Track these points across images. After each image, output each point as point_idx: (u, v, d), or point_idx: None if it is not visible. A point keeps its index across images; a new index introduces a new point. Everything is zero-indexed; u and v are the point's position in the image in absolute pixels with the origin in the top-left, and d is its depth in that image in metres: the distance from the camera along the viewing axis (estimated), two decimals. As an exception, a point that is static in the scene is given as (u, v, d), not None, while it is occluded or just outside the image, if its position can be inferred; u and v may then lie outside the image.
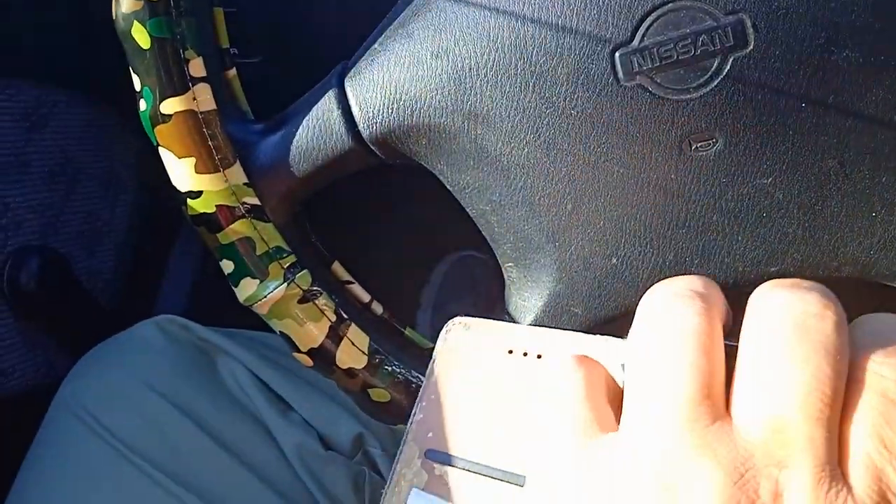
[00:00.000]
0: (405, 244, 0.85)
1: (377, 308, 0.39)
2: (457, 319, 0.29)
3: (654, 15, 0.29)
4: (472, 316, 0.29)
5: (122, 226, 0.70)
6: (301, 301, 0.35)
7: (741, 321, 0.21)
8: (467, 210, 0.35)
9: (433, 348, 0.40)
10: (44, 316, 0.61)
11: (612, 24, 0.29)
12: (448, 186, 0.34)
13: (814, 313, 0.18)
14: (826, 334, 0.18)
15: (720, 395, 0.19)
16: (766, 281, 0.32)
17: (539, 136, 0.31)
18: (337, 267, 0.38)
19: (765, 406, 0.18)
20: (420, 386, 0.37)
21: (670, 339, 0.19)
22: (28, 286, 0.59)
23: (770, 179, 0.29)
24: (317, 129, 0.34)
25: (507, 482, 0.23)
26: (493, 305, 0.38)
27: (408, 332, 0.39)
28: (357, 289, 0.38)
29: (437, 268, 0.95)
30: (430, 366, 0.28)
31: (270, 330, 0.56)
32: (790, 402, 0.18)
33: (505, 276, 0.36)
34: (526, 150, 0.31)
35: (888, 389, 0.18)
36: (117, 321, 0.56)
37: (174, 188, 0.35)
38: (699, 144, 0.29)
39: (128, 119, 0.69)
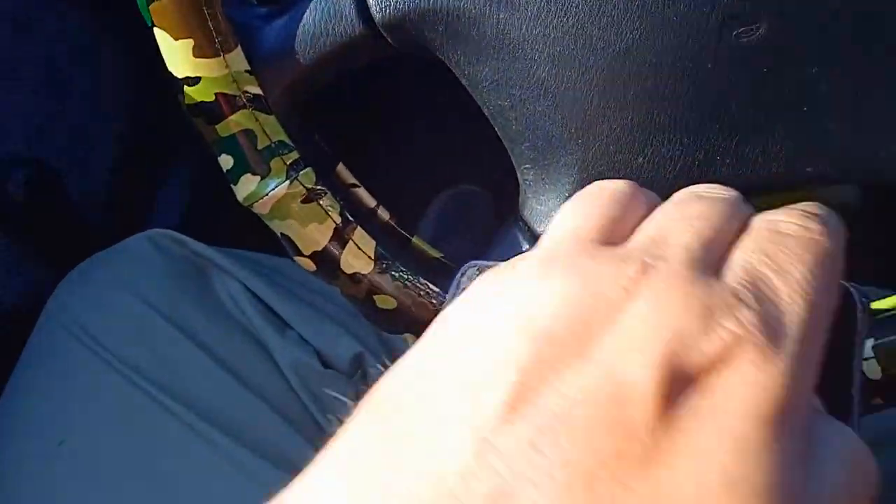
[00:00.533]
0: (402, 177, 0.83)
1: (383, 214, 0.37)
2: (472, 263, 0.28)
3: None
4: (472, 251, 0.28)
5: (112, 142, 0.67)
6: (304, 200, 0.33)
7: None
8: (484, 108, 0.33)
9: (441, 257, 0.38)
10: (31, 230, 0.59)
11: None
12: (464, 81, 0.32)
13: (712, 188, 0.21)
14: (722, 196, 0.20)
15: (624, 235, 0.20)
16: (799, 183, 0.31)
17: (567, 20, 0.28)
18: (342, 169, 0.36)
19: (653, 227, 0.19)
20: (428, 293, 0.35)
21: (593, 191, 0.22)
22: (15, 197, 0.56)
23: (815, 69, 0.27)
24: (325, 14, 0.32)
25: None
26: (491, 239, 0.36)
27: (415, 240, 0.37)
28: (363, 192, 0.36)
29: (434, 201, 0.93)
30: (443, 309, 0.27)
31: (266, 250, 0.54)
32: (676, 222, 0.19)
33: (520, 179, 0.34)
34: (552, 36, 0.29)
35: (780, 225, 0.19)
36: (108, 238, 0.54)
37: (172, 77, 0.33)
38: (741, 30, 0.27)
39: (115, 29, 0.65)
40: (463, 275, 0.27)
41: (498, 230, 0.36)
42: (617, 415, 0.14)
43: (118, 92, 0.66)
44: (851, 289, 0.20)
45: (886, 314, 0.29)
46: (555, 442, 0.14)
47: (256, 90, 0.33)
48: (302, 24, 0.32)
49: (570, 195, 0.32)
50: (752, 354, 0.15)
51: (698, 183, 0.23)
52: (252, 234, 0.46)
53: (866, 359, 0.28)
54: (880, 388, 0.29)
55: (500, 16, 0.29)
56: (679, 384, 0.15)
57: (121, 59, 0.65)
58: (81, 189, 0.62)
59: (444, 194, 0.91)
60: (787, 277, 0.17)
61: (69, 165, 0.62)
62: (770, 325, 0.16)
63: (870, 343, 0.28)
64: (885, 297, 0.30)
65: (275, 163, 0.33)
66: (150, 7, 0.31)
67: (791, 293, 0.17)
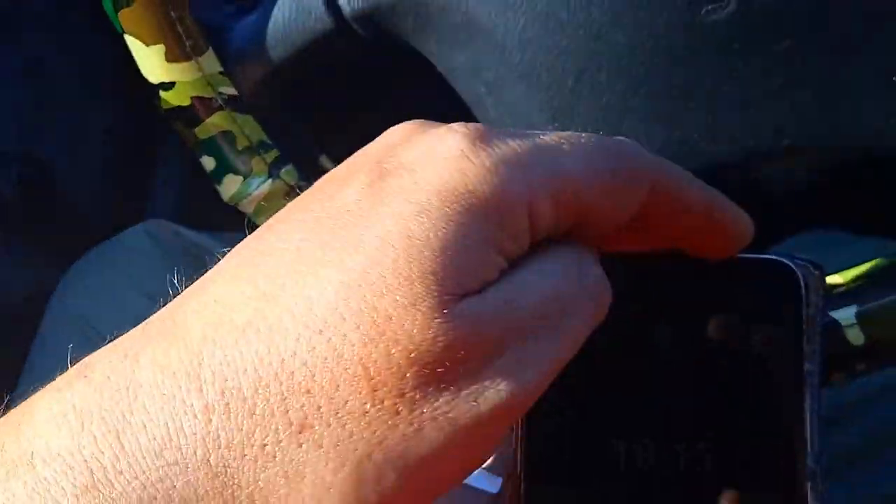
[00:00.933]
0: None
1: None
2: None
3: None
4: None
5: (104, 135, 0.67)
6: (288, 197, 0.34)
7: None
8: (462, 95, 0.33)
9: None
10: (28, 226, 0.60)
11: None
12: (439, 68, 0.32)
13: None
14: None
15: None
16: (778, 156, 0.30)
17: (535, 4, 0.28)
18: (325, 161, 0.37)
19: None
20: None
21: None
22: (9, 194, 0.57)
23: (787, 43, 0.27)
24: (294, 8, 0.31)
25: None
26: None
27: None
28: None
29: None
30: None
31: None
32: None
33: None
34: (522, 21, 0.29)
35: None
36: (105, 232, 0.54)
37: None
38: (710, 6, 0.27)
39: (105, 22, 0.65)
40: None
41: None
42: (334, 191, 0.17)
43: (108, 84, 0.65)
44: (793, 265, 0.19)
45: (865, 280, 0.29)
46: (286, 231, 0.17)
47: (232, 91, 0.33)
48: (272, 21, 0.32)
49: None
50: (462, 145, 0.17)
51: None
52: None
53: (849, 326, 0.29)
54: (863, 354, 0.29)
55: (469, 3, 0.29)
56: (394, 166, 0.17)
57: (110, 51, 0.65)
58: (76, 184, 0.62)
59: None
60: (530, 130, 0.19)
61: (62, 160, 0.62)
62: (487, 132, 0.18)
63: (852, 310, 0.29)
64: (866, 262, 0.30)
65: (256, 162, 0.33)
66: (119, 14, 0.31)
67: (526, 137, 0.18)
